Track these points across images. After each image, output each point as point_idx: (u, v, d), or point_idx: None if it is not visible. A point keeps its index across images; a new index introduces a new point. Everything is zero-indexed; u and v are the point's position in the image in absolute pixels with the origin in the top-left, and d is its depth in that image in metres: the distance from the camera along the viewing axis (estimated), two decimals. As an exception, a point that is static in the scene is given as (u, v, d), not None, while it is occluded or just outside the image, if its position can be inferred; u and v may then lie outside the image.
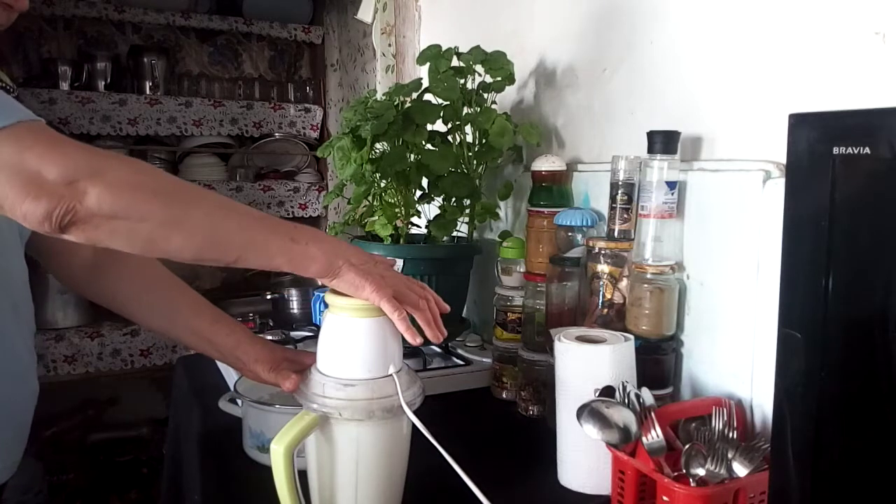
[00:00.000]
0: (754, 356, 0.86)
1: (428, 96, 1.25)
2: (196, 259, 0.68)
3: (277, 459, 0.66)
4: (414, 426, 0.70)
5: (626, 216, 0.97)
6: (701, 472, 0.72)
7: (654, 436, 0.74)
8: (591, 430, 0.74)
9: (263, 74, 3.04)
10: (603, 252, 0.98)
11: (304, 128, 2.86)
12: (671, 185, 0.92)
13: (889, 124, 0.47)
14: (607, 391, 0.80)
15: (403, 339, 0.73)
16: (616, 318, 0.97)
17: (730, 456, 0.72)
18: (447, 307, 0.77)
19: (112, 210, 0.62)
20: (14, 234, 0.93)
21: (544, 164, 1.12)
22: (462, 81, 1.23)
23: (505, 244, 1.19)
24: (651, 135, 0.93)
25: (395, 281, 0.73)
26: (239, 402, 0.95)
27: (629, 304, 0.95)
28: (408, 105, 1.25)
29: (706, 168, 0.94)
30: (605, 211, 1.02)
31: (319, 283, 0.78)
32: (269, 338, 1.39)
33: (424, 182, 1.27)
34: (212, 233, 0.68)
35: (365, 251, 0.75)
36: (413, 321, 0.72)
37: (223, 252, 0.68)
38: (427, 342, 0.73)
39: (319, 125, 2.89)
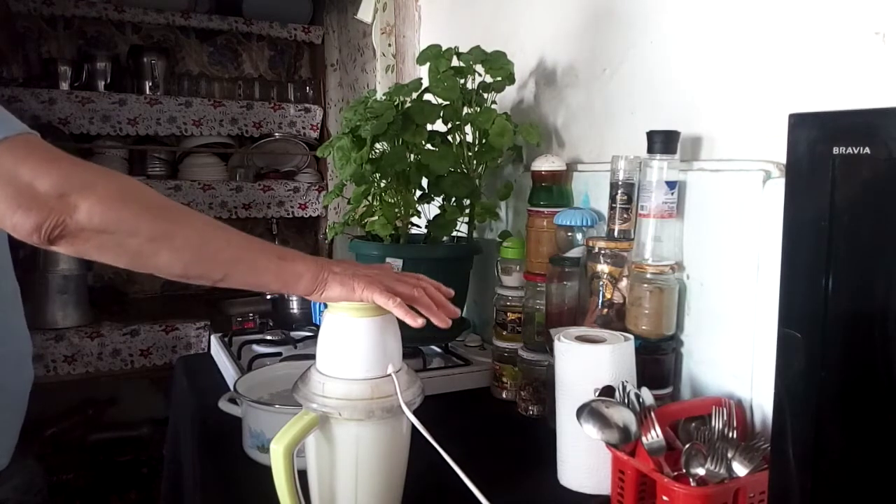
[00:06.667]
0: (754, 356, 0.86)
1: (428, 96, 1.25)
2: (183, 275, 0.68)
3: (277, 459, 0.66)
4: (413, 426, 0.70)
5: (625, 216, 0.97)
6: (701, 471, 0.72)
7: (654, 435, 0.74)
8: (590, 430, 0.74)
9: (263, 74, 3.04)
10: (603, 252, 0.98)
11: (304, 128, 2.85)
12: (671, 184, 0.92)
13: (889, 124, 0.47)
14: (607, 391, 0.80)
15: (404, 338, 0.73)
16: (616, 318, 0.97)
17: (729, 456, 0.72)
18: (451, 291, 0.77)
19: (102, 224, 0.62)
20: None
21: (544, 164, 1.12)
22: (462, 81, 1.23)
23: (505, 244, 1.19)
24: (651, 135, 0.93)
25: (383, 277, 0.73)
26: (239, 402, 0.95)
27: (629, 303, 0.95)
28: (408, 105, 1.24)
29: (706, 168, 0.94)
30: (604, 211, 1.02)
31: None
32: (269, 338, 1.39)
33: (424, 182, 1.27)
34: (200, 249, 0.68)
35: (351, 260, 0.75)
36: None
37: (211, 268, 0.68)
38: (432, 330, 0.72)
39: (319, 125, 2.89)
